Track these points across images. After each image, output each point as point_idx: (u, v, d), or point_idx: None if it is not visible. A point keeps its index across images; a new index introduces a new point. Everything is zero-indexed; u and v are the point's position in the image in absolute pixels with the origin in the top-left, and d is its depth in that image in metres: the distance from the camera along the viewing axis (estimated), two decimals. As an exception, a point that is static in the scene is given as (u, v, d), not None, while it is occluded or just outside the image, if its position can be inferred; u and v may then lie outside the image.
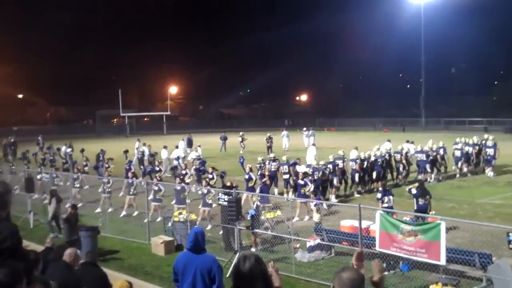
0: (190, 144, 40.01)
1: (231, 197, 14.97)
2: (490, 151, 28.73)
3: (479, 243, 13.56)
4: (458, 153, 28.88)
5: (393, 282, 12.35)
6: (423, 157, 27.01)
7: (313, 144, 30.89)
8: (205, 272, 7.41)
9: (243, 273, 4.48)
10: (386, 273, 12.77)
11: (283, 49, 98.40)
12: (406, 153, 27.29)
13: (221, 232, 16.48)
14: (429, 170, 27.12)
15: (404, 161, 26.63)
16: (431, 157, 27.27)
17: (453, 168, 28.87)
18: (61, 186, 23.99)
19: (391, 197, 17.03)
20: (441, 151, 28.34)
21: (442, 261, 11.19)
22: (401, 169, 26.62)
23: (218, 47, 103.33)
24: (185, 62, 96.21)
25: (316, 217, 16.15)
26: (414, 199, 16.82)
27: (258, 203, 16.70)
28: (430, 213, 16.32)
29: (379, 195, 17.41)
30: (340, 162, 24.02)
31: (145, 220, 18.10)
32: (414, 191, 16.92)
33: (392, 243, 11.95)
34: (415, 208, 16.65)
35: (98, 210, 21.02)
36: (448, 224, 11.52)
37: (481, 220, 17.45)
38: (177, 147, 34.17)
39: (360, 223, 12.69)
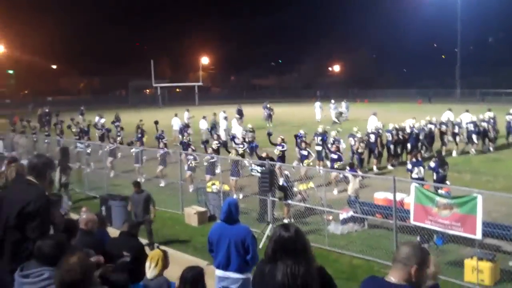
0: (240, 114, 39.85)
1: (264, 168, 14.97)
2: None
3: (514, 217, 13.38)
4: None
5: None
6: (471, 127, 26.82)
7: (374, 114, 30.00)
8: (239, 242, 7.47)
9: (283, 242, 4.46)
10: (420, 246, 12.68)
11: (316, 19, 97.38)
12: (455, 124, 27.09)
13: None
14: (475, 141, 26.80)
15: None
16: (480, 128, 27.03)
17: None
18: (96, 156, 24.34)
19: (421, 168, 16.99)
20: (491, 122, 27.87)
21: (478, 235, 11.03)
22: (445, 140, 26.47)
23: (249, 17, 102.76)
24: (217, 32, 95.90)
25: (350, 189, 16.04)
26: (433, 172, 16.86)
27: (288, 174, 16.63)
28: (446, 182, 16.36)
29: (409, 166, 17.63)
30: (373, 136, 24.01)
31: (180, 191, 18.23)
32: (432, 164, 17.00)
33: (427, 216, 11.82)
34: (434, 178, 16.70)
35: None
36: (484, 197, 11.35)
37: (517, 194, 17.16)
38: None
39: (394, 196, 12.58)
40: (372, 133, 24.28)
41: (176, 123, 33.15)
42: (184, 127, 30.97)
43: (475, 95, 70.84)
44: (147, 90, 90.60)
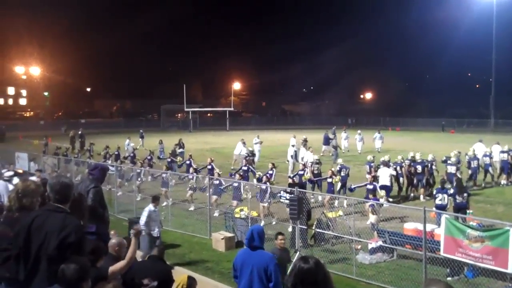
0: (326, 142, 39.04)
1: (293, 195, 14.91)
2: None
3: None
4: None
5: (457, 289, 12.02)
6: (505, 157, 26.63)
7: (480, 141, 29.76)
8: (262, 270, 7.43)
9: (303, 274, 4.41)
10: (450, 278, 12.46)
11: (348, 47, 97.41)
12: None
13: (289, 230, 16.41)
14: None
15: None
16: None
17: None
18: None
19: (445, 195, 16.85)
20: None
21: (510, 269, 10.81)
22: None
23: (283, 43, 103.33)
24: (250, 57, 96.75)
25: (372, 218, 15.91)
26: (451, 197, 16.95)
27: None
28: (468, 212, 16.08)
29: (434, 191, 17.90)
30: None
31: (208, 215, 18.23)
32: (451, 191, 17.16)
33: (457, 248, 11.63)
34: (453, 205, 16.82)
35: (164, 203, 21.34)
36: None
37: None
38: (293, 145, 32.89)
39: (424, 226, 12.39)
40: (419, 162, 23.95)
41: (239, 148, 32.75)
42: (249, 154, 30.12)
43: (510, 125, 69.76)
44: (179, 114, 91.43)
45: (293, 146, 32.35)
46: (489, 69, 75.09)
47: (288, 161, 31.24)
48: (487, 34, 72.84)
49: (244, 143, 32.77)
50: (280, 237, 10.92)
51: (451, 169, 23.70)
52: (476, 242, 11.30)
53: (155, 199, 14.74)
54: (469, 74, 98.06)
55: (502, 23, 70.75)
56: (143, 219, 14.26)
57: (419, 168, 23.52)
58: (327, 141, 38.89)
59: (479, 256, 11.26)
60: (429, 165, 24.05)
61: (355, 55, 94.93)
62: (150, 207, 14.47)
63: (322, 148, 38.48)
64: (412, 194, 23.34)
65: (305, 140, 34.16)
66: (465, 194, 16.95)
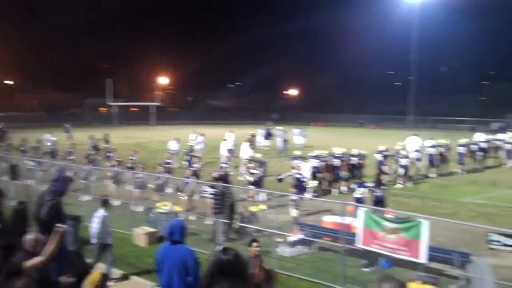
0: (268, 137, 39.30)
1: (217, 190, 14.99)
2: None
3: (460, 242, 13.69)
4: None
5: (373, 279, 12.40)
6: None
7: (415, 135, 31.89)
8: (181, 264, 7.47)
9: (221, 265, 4.47)
10: (366, 269, 12.89)
11: (274, 44, 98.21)
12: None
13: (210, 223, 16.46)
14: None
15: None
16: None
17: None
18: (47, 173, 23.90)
19: (362, 189, 17.37)
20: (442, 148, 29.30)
21: (423, 259, 11.30)
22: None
23: (209, 39, 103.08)
24: (176, 53, 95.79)
25: (294, 212, 16.23)
26: (370, 191, 17.50)
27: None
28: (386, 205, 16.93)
29: (353, 186, 18.36)
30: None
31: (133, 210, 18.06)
32: (370, 185, 17.66)
33: (374, 240, 12.04)
34: (373, 199, 17.38)
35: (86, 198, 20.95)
36: (430, 222, 11.61)
37: (463, 219, 17.62)
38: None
39: (343, 220, 12.75)
40: (340, 157, 24.68)
41: (174, 147, 32.22)
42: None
43: (427, 122, 72.46)
44: (103, 108, 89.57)
45: (229, 141, 32.52)
46: (409, 68, 77.71)
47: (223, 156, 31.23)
48: (408, 34, 75.28)
49: (178, 139, 32.50)
50: (254, 244, 10.07)
51: (381, 159, 25.12)
52: (392, 234, 11.73)
53: (105, 203, 13.00)
54: (391, 72, 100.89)
55: (421, 24, 73.29)
56: (96, 227, 12.55)
57: (339, 162, 24.16)
58: (267, 136, 39.39)
59: (394, 247, 11.69)
60: (353, 159, 24.89)
61: (280, 52, 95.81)
62: (102, 212, 12.73)
63: (261, 143, 38.88)
64: (335, 189, 23.90)
65: (253, 136, 34.65)
66: (383, 188, 17.57)
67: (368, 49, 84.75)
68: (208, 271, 4.48)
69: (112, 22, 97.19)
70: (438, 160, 28.81)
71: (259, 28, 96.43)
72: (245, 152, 28.20)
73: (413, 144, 29.83)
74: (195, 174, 20.39)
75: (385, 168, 25.65)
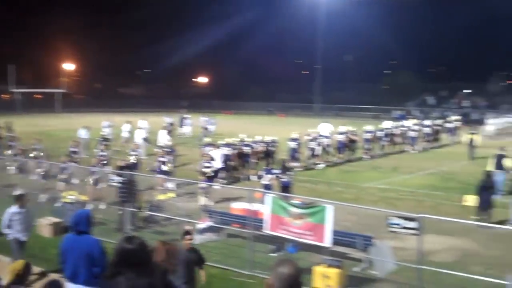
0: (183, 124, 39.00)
1: (124, 178, 14.81)
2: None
3: (362, 226, 14.22)
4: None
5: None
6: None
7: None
8: (87, 254, 7.37)
9: (125, 255, 4.42)
10: (274, 254, 13.16)
11: (183, 31, 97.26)
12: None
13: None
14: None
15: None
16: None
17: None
18: None
19: (269, 176, 17.63)
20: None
21: (327, 243, 11.67)
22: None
23: (116, 25, 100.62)
24: (82, 38, 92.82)
25: (203, 200, 16.32)
26: (277, 177, 17.84)
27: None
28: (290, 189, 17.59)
29: (261, 172, 18.64)
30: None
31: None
32: (277, 171, 18.09)
33: (281, 225, 12.29)
34: (280, 185, 17.79)
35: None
36: (335, 207, 11.99)
37: (365, 204, 18.29)
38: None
39: (250, 206, 12.93)
40: (250, 144, 24.93)
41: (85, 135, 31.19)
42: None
43: (333, 110, 74.37)
44: (5, 95, 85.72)
45: (144, 129, 32.11)
46: (316, 57, 79.39)
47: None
48: (314, 23, 76.81)
49: (86, 127, 31.62)
50: (187, 236, 9.91)
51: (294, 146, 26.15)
52: (298, 219, 12.02)
53: (19, 198, 12.09)
54: (298, 61, 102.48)
55: (328, 13, 74.95)
56: (4, 223, 11.95)
57: (249, 149, 24.44)
58: (183, 123, 39.21)
59: (300, 232, 11.99)
60: (264, 145, 25.30)
61: (189, 39, 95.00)
62: (14, 208, 11.92)
63: (179, 130, 38.64)
64: (246, 176, 24.14)
65: (171, 124, 34.42)
66: (289, 174, 17.95)
67: (276, 37, 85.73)
68: (112, 261, 4.42)
69: (13, 3, 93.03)
70: (347, 146, 29.88)
71: (168, 15, 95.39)
72: (163, 139, 28.00)
73: (325, 130, 30.89)
74: (102, 162, 20.01)
75: (297, 155, 26.39)
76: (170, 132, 30.79)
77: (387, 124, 36.24)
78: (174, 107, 67.12)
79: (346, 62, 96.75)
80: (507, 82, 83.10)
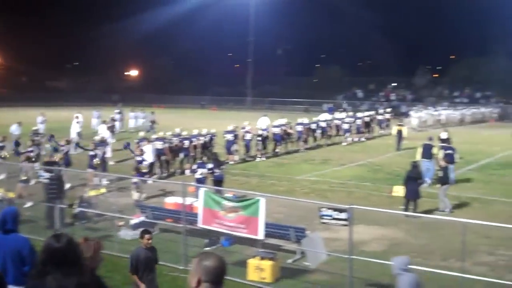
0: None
1: (53, 174, 14.48)
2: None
3: (295, 218, 14.44)
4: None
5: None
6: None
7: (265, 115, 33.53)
8: (15, 253, 7.18)
9: (53, 254, 4.32)
10: (208, 248, 13.17)
11: (111, 22, 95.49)
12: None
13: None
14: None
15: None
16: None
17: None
18: None
19: (204, 169, 17.63)
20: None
21: (261, 236, 11.77)
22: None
23: (43, 16, 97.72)
24: (5, 30, 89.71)
25: (135, 195, 16.18)
26: (210, 171, 17.91)
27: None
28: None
29: (194, 167, 18.60)
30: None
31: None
32: (210, 165, 18.13)
33: (214, 219, 12.29)
34: (212, 178, 17.89)
35: None
36: (268, 200, 12.12)
37: (298, 196, 18.59)
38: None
39: (184, 200, 12.89)
40: (186, 138, 24.78)
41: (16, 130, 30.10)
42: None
43: (265, 103, 74.91)
44: None
45: (78, 123, 31.72)
46: (248, 50, 79.69)
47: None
48: (246, 17, 77.01)
49: (19, 123, 30.63)
50: (146, 236, 9.76)
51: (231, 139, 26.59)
52: (231, 212, 12.06)
53: None
54: (230, 54, 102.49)
55: (259, 7, 75.29)
56: None
57: (186, 143, 24.36)
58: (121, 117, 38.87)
59: (233, 225, 12.04)
60: (201, 139, 25.37)
61: (120, 31, 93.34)
62: None
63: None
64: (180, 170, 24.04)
65: (113, 120, 33.99)
66: (222, 167, 18.00)
67: (208, 30, 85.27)
68: (39, 259, 4.29)
69: None
70: (283, 139, 30.38)
71: (96, 6, 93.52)
72: (104, 134, 27.48)
73: (264, 124, 31.45)
74: (29, 159, 19.48)
75: (234, 147, 26.58)
76: (110, 127, 30.26)
77: (323, 116, 37.01)
78: (105, 101, 66.06)
79: (277, 56, 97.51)
80: (433, 76, 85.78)
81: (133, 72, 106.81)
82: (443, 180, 17.80)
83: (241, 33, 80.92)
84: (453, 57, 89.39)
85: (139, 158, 19.43)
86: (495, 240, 14.04)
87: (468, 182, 22.19)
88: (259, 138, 28.52)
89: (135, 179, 17.45)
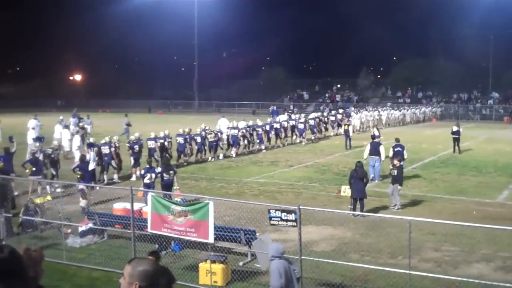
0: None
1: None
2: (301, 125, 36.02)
3: (245, 220, 14.47)
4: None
5: (165, 262, 12.62)
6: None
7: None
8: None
9: None
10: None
11: (56, 25, 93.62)
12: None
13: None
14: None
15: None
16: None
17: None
18: None
19: (153, 174, 17.54)
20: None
21: (211, 239, 11.74)
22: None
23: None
24: None
25: (82, 202, 15.95)
26: (159, 175, 17.80)
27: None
28: (174, 188, 17.66)
29: (142, 171, 18.38)
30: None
31: None
32: (158, 169, 18.15)
33: (163, 224, 12.20)
34: (161, 183, 17.77)
35: None
36: (217, 203, 12.12)
37: (247, 198, 18.64)
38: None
39: (132, 206, 12.75)
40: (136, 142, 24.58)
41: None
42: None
43: (212, 106, 74.90)
44: None
45: (33, 129, 31.46)
46: (193, 53, 79.49)
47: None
48: (191, 20, 76.81)
49: None
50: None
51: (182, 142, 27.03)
52: (180, 216, 11.98)
53: None
54: (175, 58, 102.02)
55: (203, 10, 75.31)
56: None
57: (137, 147, 24.23)
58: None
59: (183, 230, 11.97)
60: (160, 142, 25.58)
61: (61, 35, 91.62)
62: None
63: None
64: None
65: (82, 128, 33.65)
66: (171, 172, 17.89)
67: (154, 33, 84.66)
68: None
69: None
70: (241, 140, 30.87)
71: (38, 9, 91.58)
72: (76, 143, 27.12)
73: (224, 125, 32.27)
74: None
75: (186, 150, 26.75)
76: (82, 135, 29.66)
77: (282, 117, 38.33)
78: (49, 106, 64.72)
79: (222, 59, 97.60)
80: (376, 77, 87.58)
81: (78, 77, 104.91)
82: (397, 179, 18.11)
83: (187, 36, 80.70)
84: (395, 58, 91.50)
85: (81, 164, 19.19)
86: (440, 237, 14.41)
87: (413, 181, 22.71)
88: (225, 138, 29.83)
89: (81, 186, 17.16)
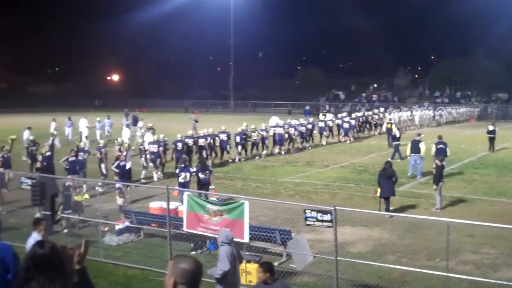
0: (135, 122, 37.98)
1: (34, 180, 14.35)
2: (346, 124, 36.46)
3: (280, 220, 14.44)
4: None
5: (201, 261, 12.66)
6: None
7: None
8: (-1, 261, 7.07)
9: (36, 260, 4.29)
10: (193, 252, 13.13)
11: (93, 26, 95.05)
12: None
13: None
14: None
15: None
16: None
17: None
18: None
19: (187, 173, 17.57)
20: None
21: (246, 239, 11.75)
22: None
23: (22, 21, 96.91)
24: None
25: (119, 200, 16.10)
26: (195, 174, 17.91)
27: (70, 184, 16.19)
28: (210, 187, 17.74)
29: (177, 171, 18.41)
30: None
31: None
32: (194, 169, 18.17)
33: (199, 223, 12.27)
34: (197, 182, 17.92)
35: None
36: (253, 202, 12.10)
37: (282, 198, 18.58)
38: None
39: (168, 204, 12.83)
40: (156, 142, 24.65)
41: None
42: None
43: (248, 106, 74.94)
44: None
45: (86, 127, 33.91)
46: (229, 53, 79.68)
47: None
48: (227, 20, 76.97)
49: (29, 128, 30.37)
50: (260, 269, 8.71)
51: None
52: (216, 216, 12.03)
53: None
54: (211, 58, 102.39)
55: (239, 9, 75.35)
56: None
57: (179, 145, 24.59)
58: (135, 122, 38.65)
59: (218, 229, 12.01)
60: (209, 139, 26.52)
61: (101, 36, 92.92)
62: None
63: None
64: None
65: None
66: (207, 171, 17.94)
67: (189, 33, 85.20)
68: (23, 266, 4.27)
69: None
70: (286, 140, 31.14)
71: (76, 11, 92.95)
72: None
73: (274, 122, 33.15)
74: (4, 165, 19.33)
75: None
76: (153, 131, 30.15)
77: (329, 117, 38.95)
78: (88, 106, 65.61)
79: (258, 59, 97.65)
80: (414, 76, 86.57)
81: (115, 77, 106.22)
82: (434, 179, 18.00)
83: (222, 36, 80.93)
84: (433, 57, 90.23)
85: (122, 163, 19.39)
86: (479, 239, 14.15)
87: (451, 182, 22.35)
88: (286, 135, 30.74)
89: (118, 184, 17.34)
